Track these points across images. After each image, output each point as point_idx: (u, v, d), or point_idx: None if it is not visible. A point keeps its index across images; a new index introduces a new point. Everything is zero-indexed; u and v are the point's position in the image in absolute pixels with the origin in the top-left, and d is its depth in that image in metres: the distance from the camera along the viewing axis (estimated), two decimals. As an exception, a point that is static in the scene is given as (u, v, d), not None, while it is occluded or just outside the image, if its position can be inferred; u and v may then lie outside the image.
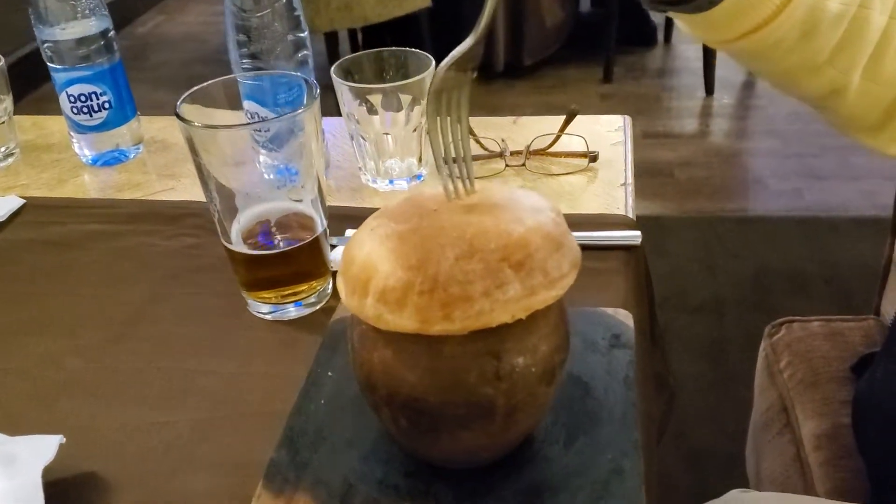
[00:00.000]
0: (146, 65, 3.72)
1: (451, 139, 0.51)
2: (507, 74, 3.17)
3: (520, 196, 0.51)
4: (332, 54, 2.93)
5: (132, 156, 0.97)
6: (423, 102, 0.83)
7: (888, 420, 0.85)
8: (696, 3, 0.52)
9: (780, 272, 2.08)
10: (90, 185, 0.93)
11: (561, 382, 0.52)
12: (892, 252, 1.16)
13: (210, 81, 0.66)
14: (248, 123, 0.63)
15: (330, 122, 0.99)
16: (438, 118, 0.50)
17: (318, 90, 0.65)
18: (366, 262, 0.47)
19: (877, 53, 0.54)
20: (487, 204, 0.49)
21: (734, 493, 0.88)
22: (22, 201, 0.88)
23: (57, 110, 0.95)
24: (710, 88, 3.04)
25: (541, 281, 0.46)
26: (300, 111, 0.63)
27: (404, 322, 0.45)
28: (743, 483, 1.19)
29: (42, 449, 0.55)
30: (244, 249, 0.67)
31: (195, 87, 0.64)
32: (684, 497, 1.44)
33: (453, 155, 0.51)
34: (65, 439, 0.55)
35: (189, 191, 0.89)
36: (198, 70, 3.62)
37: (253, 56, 0.79)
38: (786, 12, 0.51)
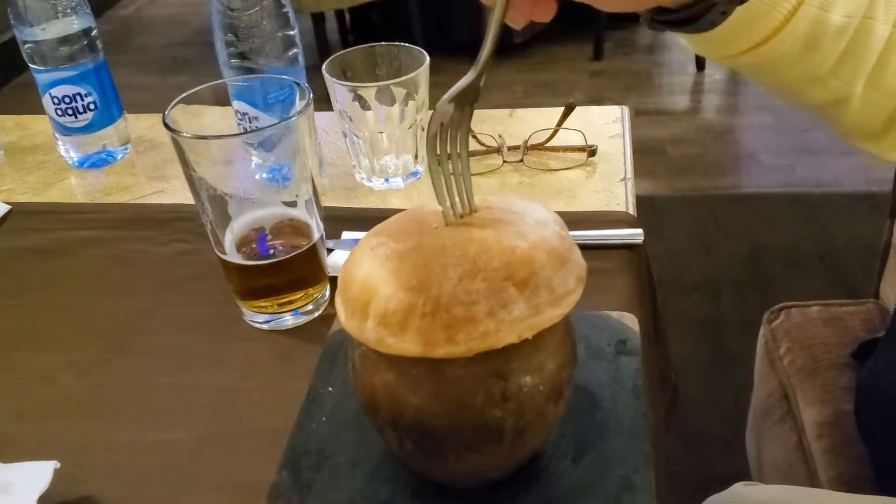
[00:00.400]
0: (130, 47, 3.69)
1: (451, 172, 0.49)
2: (497, 52, 3.13)
3: (523, 208, 0.49)
4: (319, 34, 2.89)
5: (120, 157, 0.95)
6: (418, 98, 0.81)
7: (892, 408, 0.85)
8: (696, 25, 0.51)
9: (774, 250, 2.07)
10: (77, 189, 0.91)
11: (569, 398, 0.50)
12: (891, 235, 1.15)
13: (198, 88, 0.64)
14: (238, 134, 0.61)
15: (322, 118, 0.97)
16: (438, 156, 0.48)
17: (311, 95, 0.63)
18: (365, 284, 0.46)
19: (880, 63, 0.53)
20: (489, 218, 0.48)
21: (738, 487, 0.87)
22: (7, 207, 0.86)
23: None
24: (701, 64, 3.02)
25: (546, 299, 0.45)
26: (293, 118, 0.61)
27: (407, 345, 0.44)
28: (743, 467, 1.19)
29: (37, 476, 0.53)
30: (239, 260, 0.66)
31: (183, 95, 0.62)
32: (684, 482, 1.44)
33: (455, 188, 0.49)
34: (59, 464, 0.54)
35: (180, 193, 0.87)
36: (182, 52, 3.58)
37: (242, 56, 0.77)
38: (789, 27, 0.50)
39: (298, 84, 0.66)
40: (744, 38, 0.52)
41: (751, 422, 1.18)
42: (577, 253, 0.48)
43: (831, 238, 2.08)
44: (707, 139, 2.62)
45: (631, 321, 0.63)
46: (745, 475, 1.17)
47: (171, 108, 0.61)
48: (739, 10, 0.49)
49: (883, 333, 0.94)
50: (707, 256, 2.07)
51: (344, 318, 0.47)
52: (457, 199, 0.48)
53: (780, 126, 2.63)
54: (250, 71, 0.78)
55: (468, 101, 0.48)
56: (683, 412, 1.61)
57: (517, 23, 0.51)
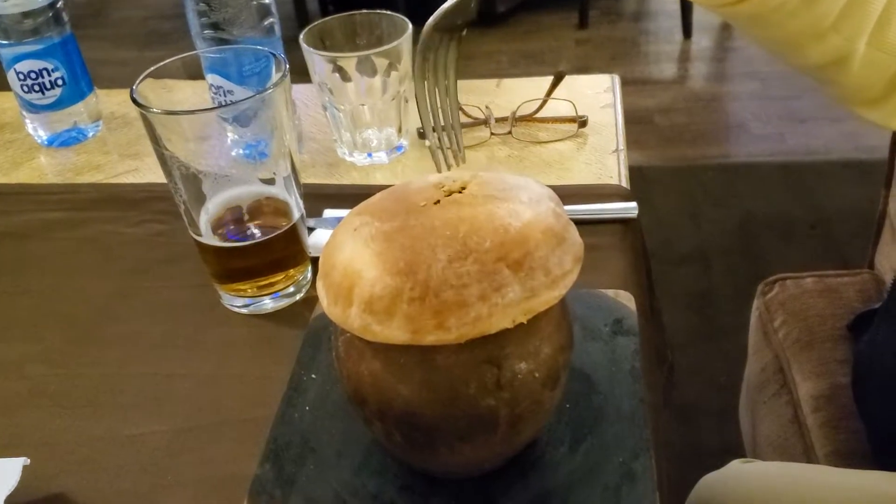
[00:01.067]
0: (106, 21, 3.62)
1: (438, 105, 0.45)
2: (481, 22, 3.07)
3: (515, 184, 0.46)
4: (298, 3, 2.84)
5: (91, 134, 0.91)
6: (401, 68, 0.77)
7: (890, 381, 0.83)
8: None
9: (765, 219, 2.05)
10: (47, 168, 0.87)
11: (565, 383, 0.48)
12: (885, 205, 1.13)
13: (168, 60, 0.61)
14: (210, 109, 0.57)
15: (301, 91, 0.93)
16: (426, 82, 0.45)
17: (288, 66, 0.60)
18: (348, 268, 0.43)
19: (883, 20, 0.51)
20: (480, 195, 0.45)
21: (735, 465, 0.86)
22: (-26, 189, 0.82)
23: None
24: (687, 31, 2.99)
25: (542, 281, 0.42)
26: (268, 90, 0.57)
27: (394, 333, 0.41)
28: (736, 440, 1.18)
29: (4, 474, 0.50)
30: (215, 241, 0.63)
31: (151, 69, 0.59)
32: (678, 452, 1.43)
33: (441, 123, 0.46)
34: (29, 461, 0.51)
35: (154, 171, 0.83)
36: (160, 26, 3.52)
37: (215, 26, 0.73)
38: None
39: (274, 55, 0.62)
40: None
41: (744, 396, 1.17)
42: (574, 231, 0.45)
43: (822, 207, 2.07)
44: (695, 108, 2.59)
45: (627, 299, 0.60)
46: (738, 448, 1.16)
47: (140, 82, 0.58)
48: None
49: (879, 305, 0.92)
50: (697, 227, 2.05)
51: (326, 304, 0.44)
52: (446, 141, 0.44)
53: (768, 93, 2.60)
54: (224, 42, 0.74)
55: (458, 23, 0.44)
56: (676, 384, 1.60)
57: None
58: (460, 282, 0.41)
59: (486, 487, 0.49)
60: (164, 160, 0.59)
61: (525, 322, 0.42)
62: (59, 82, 0.85)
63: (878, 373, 0.86)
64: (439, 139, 0.44)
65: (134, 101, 0.56)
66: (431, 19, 0.43)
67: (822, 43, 0.52)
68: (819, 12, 0.50)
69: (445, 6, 0.43)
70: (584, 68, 2.77)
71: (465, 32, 0.44)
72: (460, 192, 0.45)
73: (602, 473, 0.49)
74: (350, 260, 0.43)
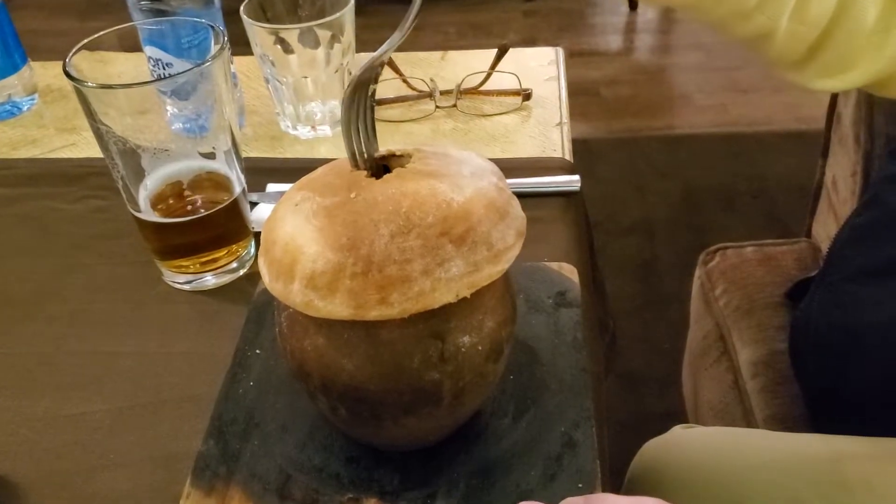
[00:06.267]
0: (42, -9, 3.49)
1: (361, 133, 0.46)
2: (428, -8, 3.07)
3: (458, 158, 0.46)
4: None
5: (26, 108, 0.89)
6: (343, 41, 0.77)
7: (824, 348, 0.86)
8: None
9: (708, 190, 2.09)
10: (-20, 143, 0.85)
11: (509, 356, 0.48)
12: (822, 175, 1.16)
13: (103, 32, 0.59)
14: (147, 82, 0.56)
15: (242, 63, 0.91)
16: (351, 115, 0.45)
17: (226, 38, 0.59)
18: (290, 244, 0.43)
19: None
20: (423, 170, 0.45)
21: (677, 430, 0.87)
22: None
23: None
24: (633, 3, 3.00)
25: (485, 255, 0.42)
26: (207, 63, 0.56)
27: (337, 308, 0.41)
28: (678, 406, 1.21)
29: (-60, 457, 0.49)
30: (154, 217, 0.62)
31: (85, 41, 0.57)
32: (621, 418, 1.46)
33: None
34: (-35, 443, 0.50)
35: (92, 146, 0.82)
36: (99, -6, 3.41)
37: (152, -3, 0.71)
38: None
39: (213, 27, 0.61)
40: None
41: (687, 362, 1.19)
42: (517, 205, 0.45)
43: (763, 177, 2.11)
44: (640, 80, 2.62)
45: (570, 272, 0.61)
46: (680, 414, 1.19)
47: (73, 54, 0.57)
48: None
49: (815, 273, 0.95)
50: (642, 198, 2.08)
51: (268, 280, 0.44)
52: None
53: (711, 65, 2.64)
54: (162, 14, 0.72)
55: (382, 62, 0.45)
56: (620, 351, 1.62)
57: None
58: (403, 257, 0.41)
59: (431, 459, 0.49)
60: (100, 135, 0.58)
61: (468, 296, 0.42)
62: (-10, 54, 0.83)
63: (813, 338, 0.88)
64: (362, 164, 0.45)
65: (67, 74, 0.55)
66: (373, 57, 0.44)
67: (749, 22, 0.55)
68: None
69: (385, 46, 0.44)
70: (531, 40, 2.77)
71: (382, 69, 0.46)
72: (402, 167, 0.45)
73: (544, 443, 0.49)
74: (291, 236, 0.43)
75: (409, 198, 0.42)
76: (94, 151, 0.79)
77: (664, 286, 1.81)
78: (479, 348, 0.45)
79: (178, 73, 0.57)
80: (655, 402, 1.56)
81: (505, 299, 0.47)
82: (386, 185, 0.43)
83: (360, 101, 0.45)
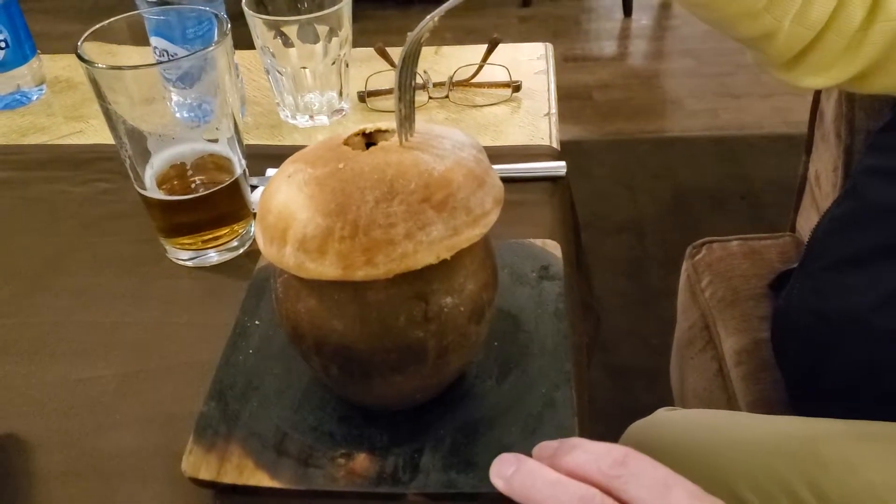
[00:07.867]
0: (47, -7, 3.53)
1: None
2: (426, -1, 3.11)
3: (440, 133, 0.50)
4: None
5: (35, 97, 0.92)
6: (341, 34, 0.80)
7: (804, 335, 0.88)
8: None
9: (698, 191, 2.12)
10: (-9, 131, 0.88)
11: (491, 320, 0.52)
12: (806, 171, 1.19)
13: (112, 18, 0.62)
14: (155, 63, 0.60)
15: (244, 56, 0.95)
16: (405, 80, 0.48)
17: (229, 25, 0.62)
18: (283, 211, 0.46)
19: (808, 1, 0.56)
20: (407, 143, 0.48)
21: (661, 412, 0.90)
22: (-83, 150, 0.83)
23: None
24: (628, 10, 3.04)
25: (464, 220, 0.45)
26: (211, 48, 0.60)
27: (326, 269, 0.44)
28: (667, 397, 1.23)
29: (-43, 414, 0.52)
30: (160, 195, 0.65)
31: (96, 26, 0.61)
32: (610, 411, 1.49)
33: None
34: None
35: (99, 133, 0.85)
36: (102, -1, 3.44)
37: (158, -9, 0.74)
38: None
39: (217, 15, 0.64)
40: None
41: (674, 353, 1.22)
42: (494, 175, 0.49)
43: (752, 178, 2.14)
44: (633, 84, 2.65)
45: (553, 248, 0.64)
46: (668, 405, 1.21)
47: (85, 38, 0.60)
48: None
49: (797, 265, 0.98)
50: (633, 198, 2.11)
51: (263, 245, 0.47)
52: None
53: (703, 71, 2.67)
54: (167, 5, 0.76)
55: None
56: (610, 346, 1.66)
57: None
58: (388, 221, 0.44)
59: (419, 417, 0.52)
60: (109, 115, 0.61)
61: (449, 259, 0.45)
62: (2, 45, 0.86)
63: (794, 325, 0.91)
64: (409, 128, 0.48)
65: (79, 56, 0.58)
66: (434, 14, 0.47)
67: (756, 21, 0.58)
68: None
69: (449, 3, 0.47)
70: (526, 45, 2.81)
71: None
72: (387, 141, 0.48)
73: (526, 403, 0.53)
74: (284, 204, 0.46)
75: (393, 167, 0.45)
76: (101, 138, 0.83)
77: (653, 283, 1.84)
78: (461, 309, 0.48)
79: (184, 56, 0.60)
80: (645, 395, 1.59)
81: (486, 265, 0.50)
82: (372, 156, 0.47)
83: (410, 66, 0.48)
